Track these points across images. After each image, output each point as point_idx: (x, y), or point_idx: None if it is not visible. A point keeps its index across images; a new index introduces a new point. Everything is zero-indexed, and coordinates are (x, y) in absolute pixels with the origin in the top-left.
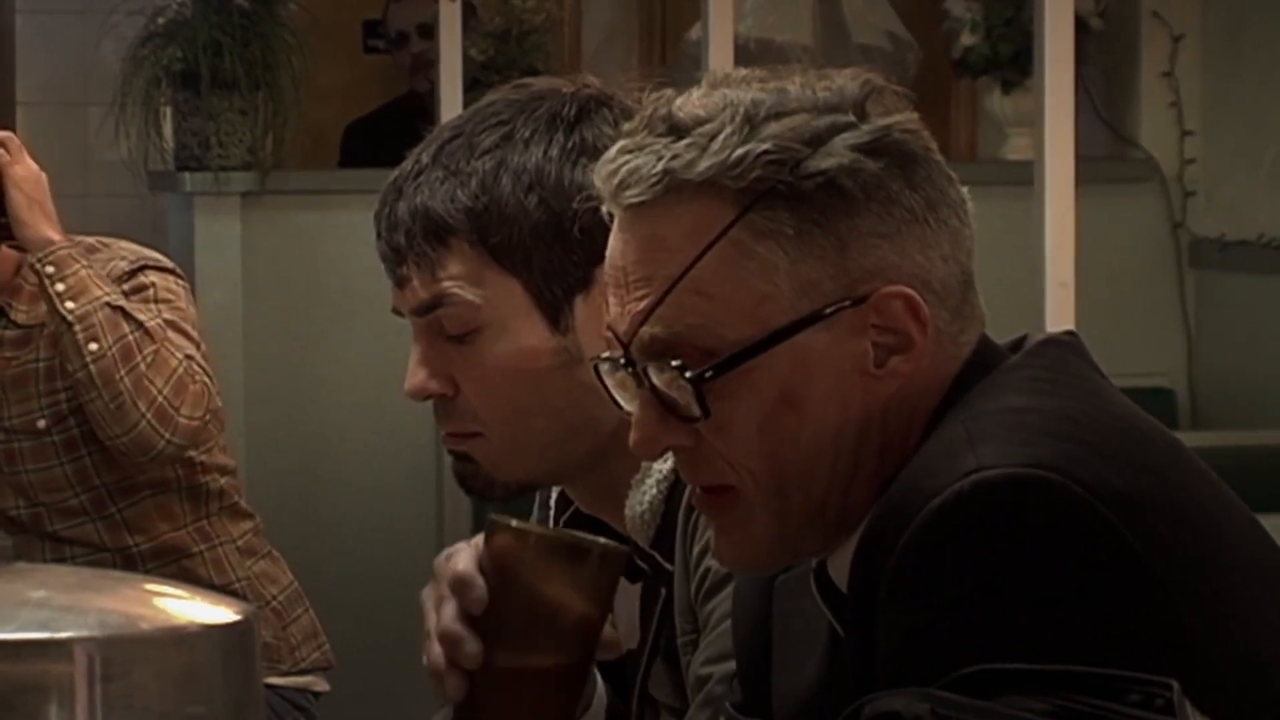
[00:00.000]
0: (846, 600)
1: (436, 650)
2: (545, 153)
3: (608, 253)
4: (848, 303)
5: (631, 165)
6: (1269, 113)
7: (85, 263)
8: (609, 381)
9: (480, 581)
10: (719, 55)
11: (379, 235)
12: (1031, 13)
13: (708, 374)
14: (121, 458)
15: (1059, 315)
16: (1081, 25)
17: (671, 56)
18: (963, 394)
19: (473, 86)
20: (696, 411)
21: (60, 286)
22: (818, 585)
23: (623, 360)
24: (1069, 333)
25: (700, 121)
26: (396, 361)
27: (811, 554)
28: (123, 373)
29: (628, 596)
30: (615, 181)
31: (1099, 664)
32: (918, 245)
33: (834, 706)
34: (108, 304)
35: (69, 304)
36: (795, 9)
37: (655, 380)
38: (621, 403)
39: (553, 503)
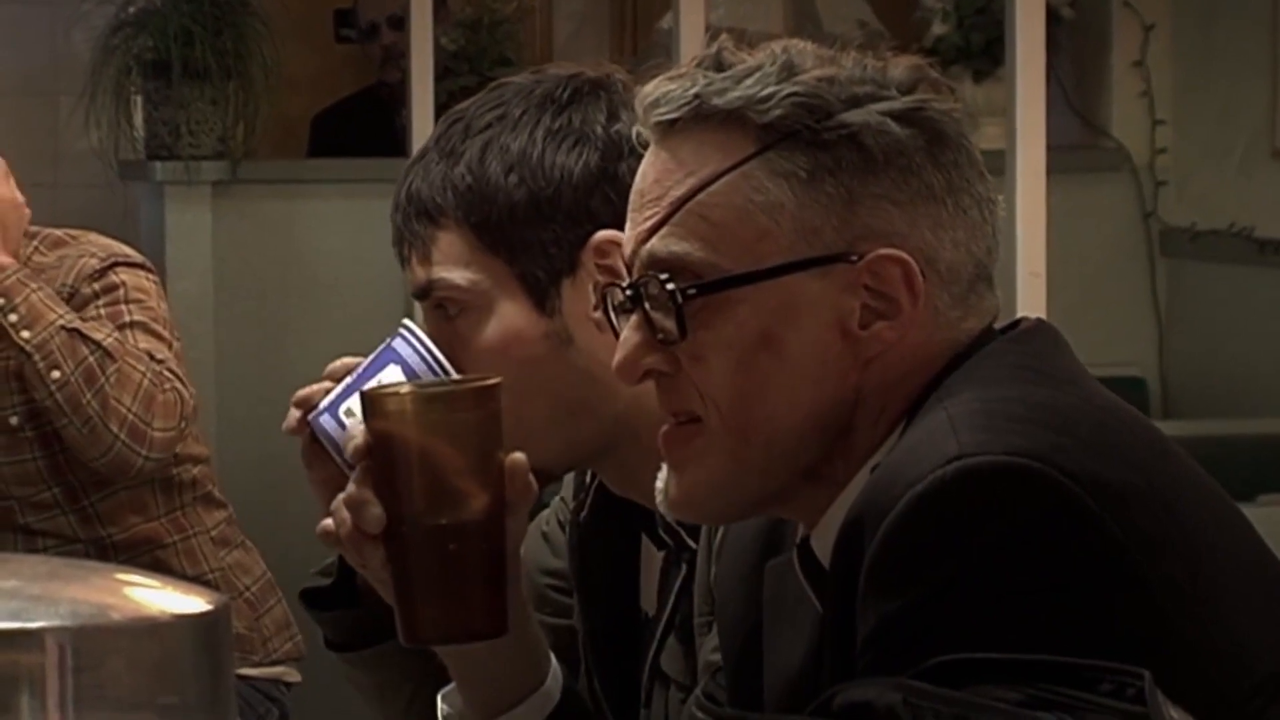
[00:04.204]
0: (828, 578)
1: (346, 518)
2: (531, 133)
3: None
4: (844, 255)
5: (667, 88)
6: (1240, 102)
7: (35, 286)
8: (613, 308)
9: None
10: (690, 45)
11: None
12: (1003, 2)
13: (690, 291)
14: (104, 477)
15: (1030, 304)
16: (1053, 15)
17: (643, 46)
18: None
19: (444, 76)
20: (675, 332)
21: (13, 317)
22: (800, 561)
23: (625, 284)
24: (1045, 322)
25: (744, 62)
26: (366, 350)
27: (767, 510)
28: (89, 396)
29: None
30: (648, 101)
31: (1076, 655)
32: (930, 222)
33: (821, 687)
34: (63, 327)
35: (25, 334)
36: None
37: (646, 298)
38: (619, 328)
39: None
